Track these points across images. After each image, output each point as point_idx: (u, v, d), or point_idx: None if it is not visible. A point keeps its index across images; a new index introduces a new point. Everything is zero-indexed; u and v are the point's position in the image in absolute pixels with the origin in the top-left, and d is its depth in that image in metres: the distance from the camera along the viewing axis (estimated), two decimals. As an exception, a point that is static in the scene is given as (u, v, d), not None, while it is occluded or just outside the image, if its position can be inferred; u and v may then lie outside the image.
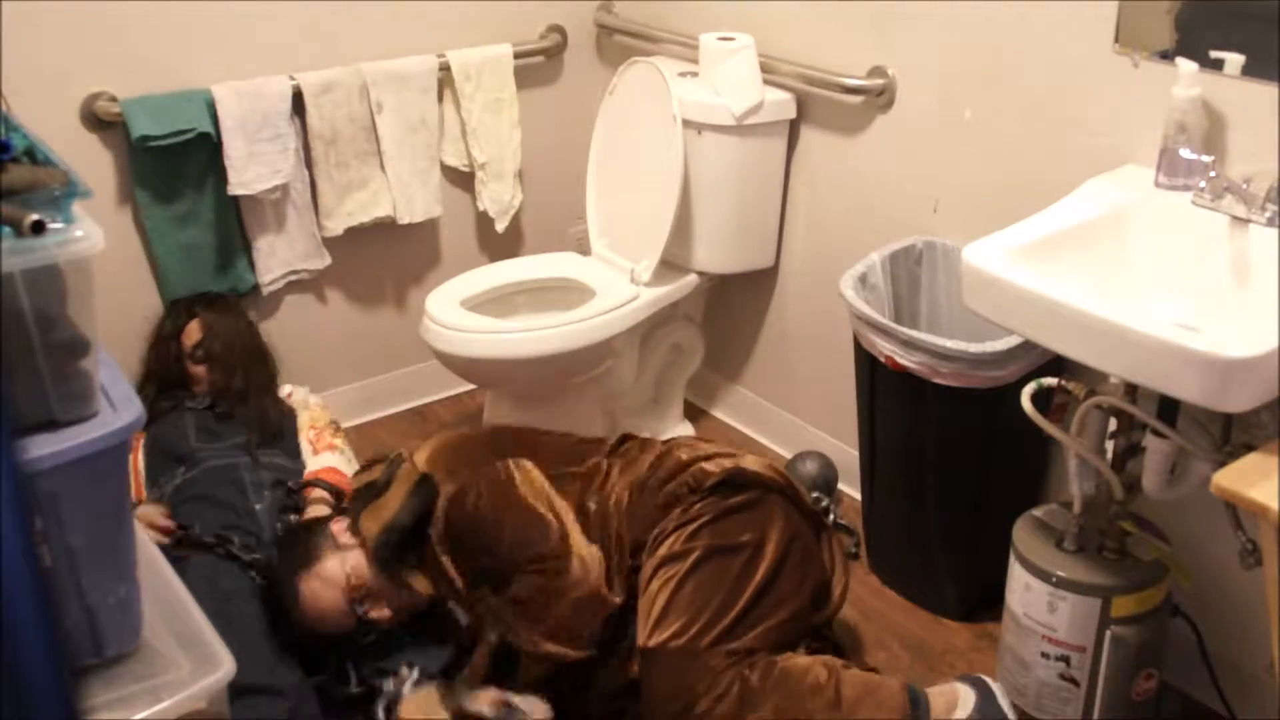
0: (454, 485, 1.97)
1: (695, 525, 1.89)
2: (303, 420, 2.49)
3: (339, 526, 2.03)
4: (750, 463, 1.99)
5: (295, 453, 2.42)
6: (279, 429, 2.44)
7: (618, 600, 1.90)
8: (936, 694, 1.86)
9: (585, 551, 1.91)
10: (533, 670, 1.88)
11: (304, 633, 1.99)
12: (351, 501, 2.07)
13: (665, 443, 2.11)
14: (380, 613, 1.99)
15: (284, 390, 2.60)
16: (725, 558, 1.86)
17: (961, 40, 2.16)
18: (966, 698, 1.86)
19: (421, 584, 1.99)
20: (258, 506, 2.20)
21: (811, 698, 1.78)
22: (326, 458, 2.40)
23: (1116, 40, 1.91)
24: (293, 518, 2.20)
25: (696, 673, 1.77)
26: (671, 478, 1.97)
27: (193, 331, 2.49)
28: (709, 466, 1.96)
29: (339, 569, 1.97)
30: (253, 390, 2.47)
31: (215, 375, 2.47)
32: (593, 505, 1.98)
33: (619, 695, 1.96)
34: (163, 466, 2.30)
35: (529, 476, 1.98)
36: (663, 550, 1.88)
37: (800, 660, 1.84)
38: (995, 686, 1.87)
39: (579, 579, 1.88)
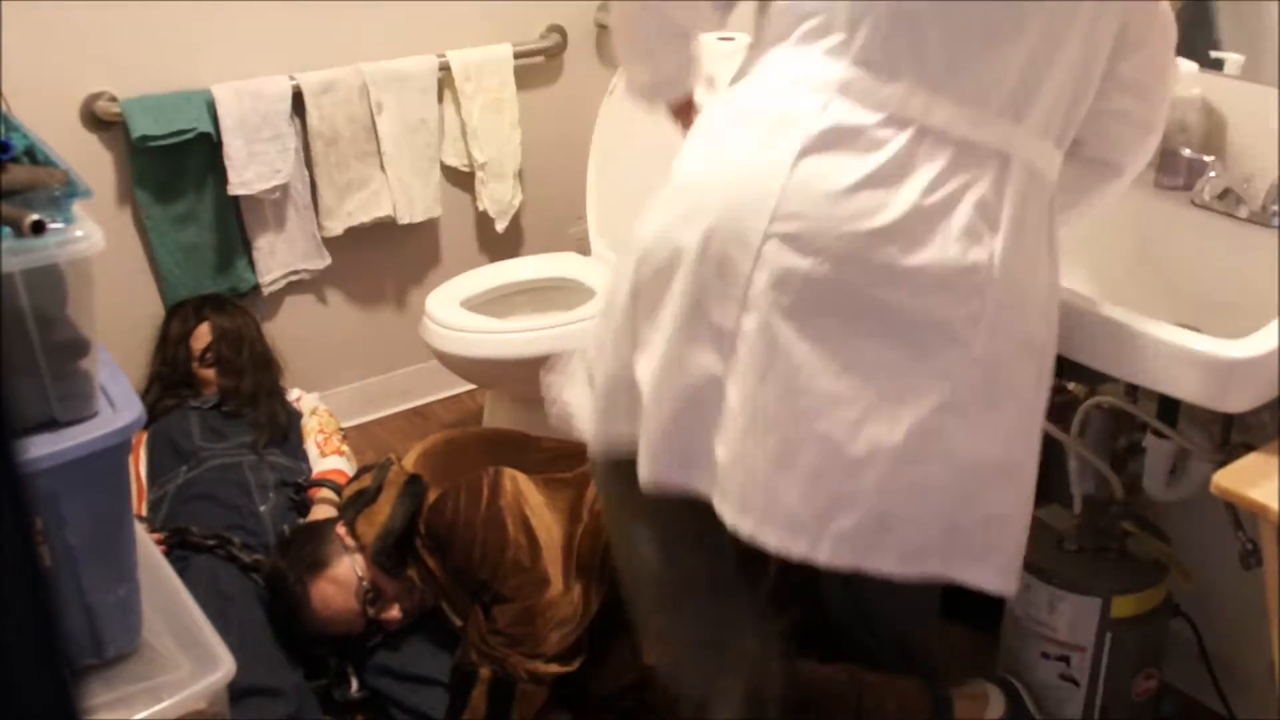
0: (437, 491, 1.97)
1: None
2: (312, 424, 2.49)
3: (341, 531, 2.03)
4: None
5: (299, 455, 2.42)
6: (286, 431, 2.44)
7: (595, 608, 1.90)
8: (963, 695, 1.86)
9: (556, 570, 1.90)
10: (531, 699, 1.87)
11: (311, 635, 1.99)
12: (344, 509, 2.07)
13: None
14: (391, 614, 1.99)
15: (292, 394, 2.60)
16: None
17: (961, 40, 2.15)
18: (996, 700, 1.85)
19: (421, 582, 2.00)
20: (262, 508, 2.20)
21: (833, 701, 1.78)
22: (334, 460, 2.40)
23: (1116, 40, 1.91)
24: (300, 521, 2.20)
25: None
26: None
27: (202, 335, 2.50)
28: None
29: (350, 571, 1.97)
30: (262, 393, 2.47)
31: (224, 378, 2.47)
32: (585, 514, 1.98)
33: (614, 699, 1.95)
34: (165, 464, 2.30)
35: (511, 488, 1.97)
36: None
37: (820, 666, 1.84)
38: (1022, 689, 1.86)
39: (555, 598, 1.88)
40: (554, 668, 1.86)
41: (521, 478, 2.01)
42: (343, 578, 1.97)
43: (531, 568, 1.89)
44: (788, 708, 1.75)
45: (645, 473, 1.44)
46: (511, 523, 1.92)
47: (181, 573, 1.75)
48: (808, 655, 1.88)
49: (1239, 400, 1.45)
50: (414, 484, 1.99)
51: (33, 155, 1.32)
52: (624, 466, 1.48)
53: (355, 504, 2.04)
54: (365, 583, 1.97)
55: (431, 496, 1.97)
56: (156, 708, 1.40)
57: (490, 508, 1.93)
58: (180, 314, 2.53)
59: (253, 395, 2.46)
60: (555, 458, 2.12)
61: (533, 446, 2.15)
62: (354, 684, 2.01)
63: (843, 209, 1.28)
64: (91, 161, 2.37)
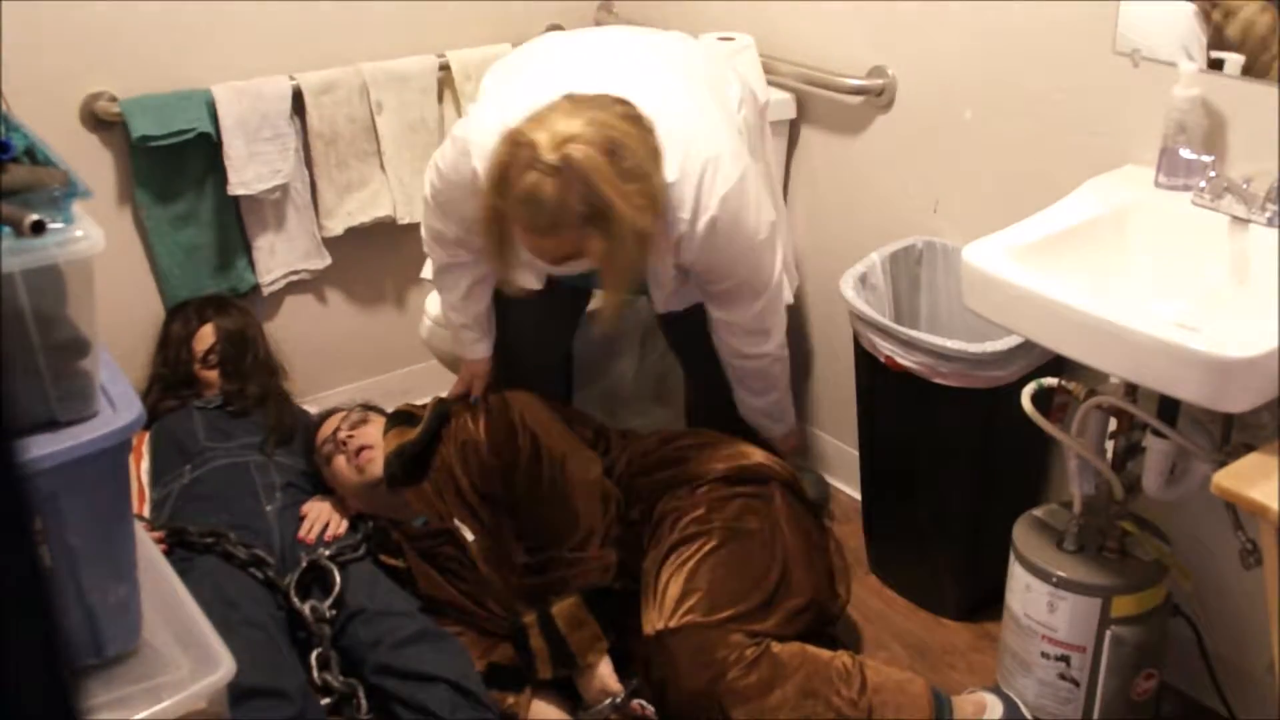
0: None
1: (703, 510, 1.92)
2: None
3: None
4: (756, 456, 2.03)
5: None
6: (292, 432, 2.44)
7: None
8: (962, 700, 1.89)
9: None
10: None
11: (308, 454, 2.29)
12: (389, 418, 2.26)
13: (670, 430, 2.13)
14: (341, 470, 2.18)
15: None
16: (740, 544, 1.90)
17: (961, 40, 2.16)
18: (994, 706, 1.87)
19: (414, 501, 2.12)
20: (269, 508, 2.20)
21: (838, 679, 1.81)
22: None
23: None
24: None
25: (722, 646, 1.80)
26: (675, 463, 2.01)
27: (205, 336, 2.49)
28: (715, 458, 2.00)
29: (340, 420, 2.23)
30: (268, 394, 2.47)
31: (228, 380, 2.47)
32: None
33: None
34: (170, 464, 2.29)
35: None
36: (674, 536, 1.91)
37: (823, 650, 1.87)
38: (1022, 706, 1.88)
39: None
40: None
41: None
42: (339, 418, 2.24)
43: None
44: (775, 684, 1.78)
45: None
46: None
47: (184, 574, 1.75)
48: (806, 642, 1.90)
49: (1239, 400, 1.45)
50: (441, 404, 2.21)
51: (33, 155, 1.32)
52: None
53: (396, 419, 2.23)
54: (346, 437, 2.19)
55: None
56: (156, 708, 1.39)
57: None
58: (182, 315, 2.52)
59: (259, 397, 2.45)
60: (569, 421, 2.19)
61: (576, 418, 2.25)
62: (364, 705, 1.99)
63: None
64: (91, 161, 2.37)
